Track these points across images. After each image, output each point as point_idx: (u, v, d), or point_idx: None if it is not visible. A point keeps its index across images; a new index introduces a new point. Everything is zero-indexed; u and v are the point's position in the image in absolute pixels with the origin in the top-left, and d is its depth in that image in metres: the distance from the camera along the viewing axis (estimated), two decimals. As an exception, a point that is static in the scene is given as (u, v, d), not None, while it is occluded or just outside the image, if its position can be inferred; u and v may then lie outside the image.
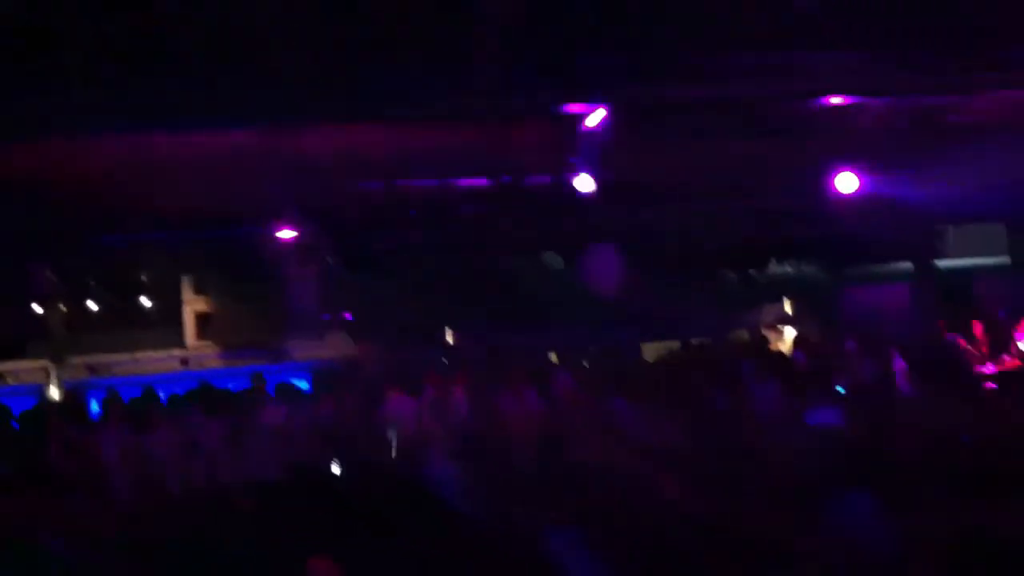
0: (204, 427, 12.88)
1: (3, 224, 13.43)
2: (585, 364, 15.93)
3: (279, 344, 17.79)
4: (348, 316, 18.90)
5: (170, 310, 19.32)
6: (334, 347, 17.48)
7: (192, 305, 19.24)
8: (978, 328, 15.44)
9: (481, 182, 15.01)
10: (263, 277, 17.34)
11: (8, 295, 16.30)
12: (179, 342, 19.18)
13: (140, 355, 18.26)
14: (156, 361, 18.45)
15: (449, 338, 18.55)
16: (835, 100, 13.72)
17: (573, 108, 13.38)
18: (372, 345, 17.39)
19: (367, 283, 17.67)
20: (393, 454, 12.76)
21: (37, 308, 18.10)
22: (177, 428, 12.85)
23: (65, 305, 18.52)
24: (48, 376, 17.28)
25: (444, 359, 17.13)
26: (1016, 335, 15.33)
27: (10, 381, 17.22)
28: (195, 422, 13.01)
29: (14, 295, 16.48)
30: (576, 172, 14.30)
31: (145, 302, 19.36)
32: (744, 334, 17.80)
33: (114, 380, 17.07)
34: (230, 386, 14.98)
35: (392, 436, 12.84)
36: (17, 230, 13.84)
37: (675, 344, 17.17)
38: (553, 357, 16.59)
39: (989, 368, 14.92)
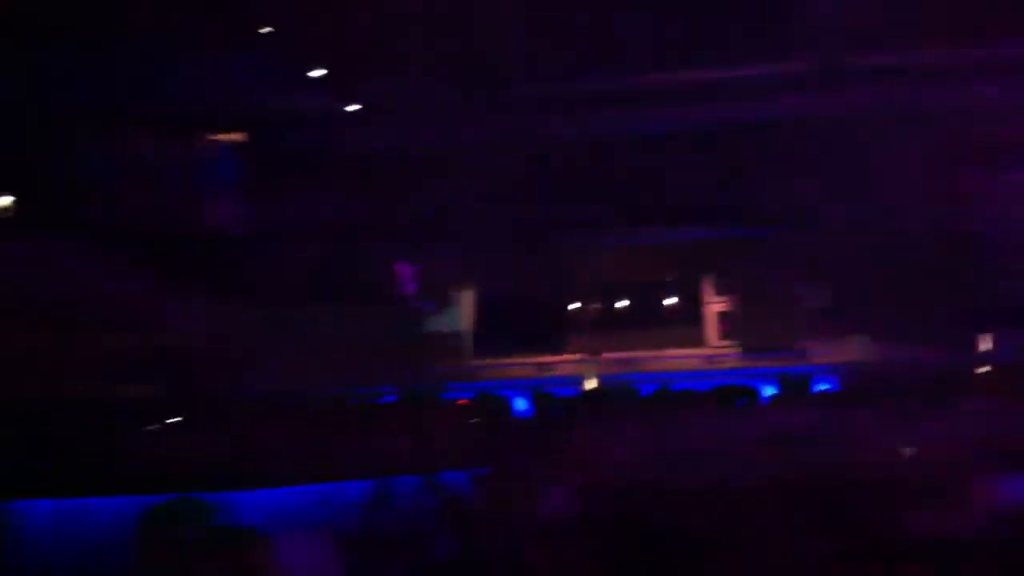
0: (722, 426, 13.06)
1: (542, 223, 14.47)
2: None
3: (800, 345, 17.69)
4: (870, 318, 18.32)
5: (693, 310, 19.86)
6: (857, 350, 17.05)
7: (713, 305, 19.65)
8: None
9: None
10: (785, 277, 17.31)
11: (548, 291, 17.65)
12: (701, 341, 19.65)
13: (666, 352, 18.98)
14: (679, 359, 19.07)
15: (985, 343, 17.37)
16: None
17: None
18: (897, 350, 16.73)
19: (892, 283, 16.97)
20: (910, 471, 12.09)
21: (574, 305, 19.38)
22: (698, 425, 13.14)
23: (599, 302, 19.68)
24: (584, 370, 18.49)
25: (976, 367, 16.07)
26: None
27: (554, 373, 18.64)
28: (713, 420, 13.22)
29: (554, 291, 17.80)
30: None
31: (670, 301, 20.05)
32: None
33: (640, 375, 17.92)
34: (753, 386, 15.10)
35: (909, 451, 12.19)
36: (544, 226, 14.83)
37: None
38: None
39: None
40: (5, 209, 13.67)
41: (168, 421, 9.72)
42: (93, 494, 7.13)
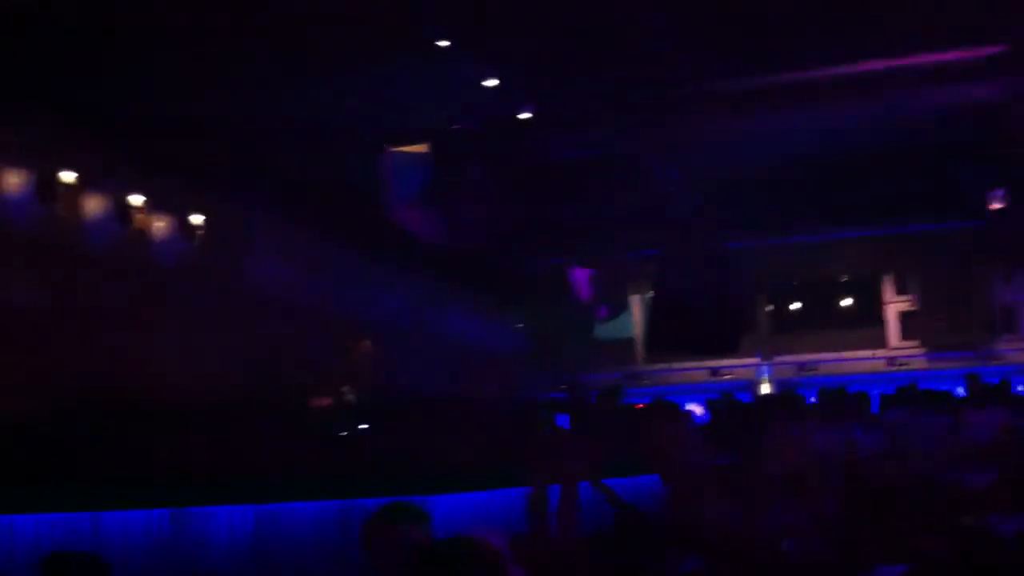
0: (908, 427, 12.57)
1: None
2: None
3: (989, 345, 16.93)
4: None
5: (871, 310, 19.24)
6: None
7: (894, 305, 18.98)
8: None
9: None
10: (973, 273, 16.62)
11: (722, 293, 17.32)
12: (882, 342, 19.03)
13: (844, 354, 18.43)
14: (860, 360, 18.48)
15: None
16: None
17: None
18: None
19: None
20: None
21: (750, 306, 19.02)
22: (880, 427, 12.70)
23: (772, 304, 19.27)
24: (758, 373, 18.14)
25: None
26: None
27: (726, 377, 18.32)
28: (900, 421, 12.74)
29: (728, 293, 17.45)
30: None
31: (846, 302, 19.48)
32: None
33: (819, 379, 17.42)
34: (940, 388, 14.47)
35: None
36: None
37: None
38: None
39: None
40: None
41: (370, 425, 9.87)
42: (297, 498, 7.22)
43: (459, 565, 3.89)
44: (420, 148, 13.31)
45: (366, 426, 9.85)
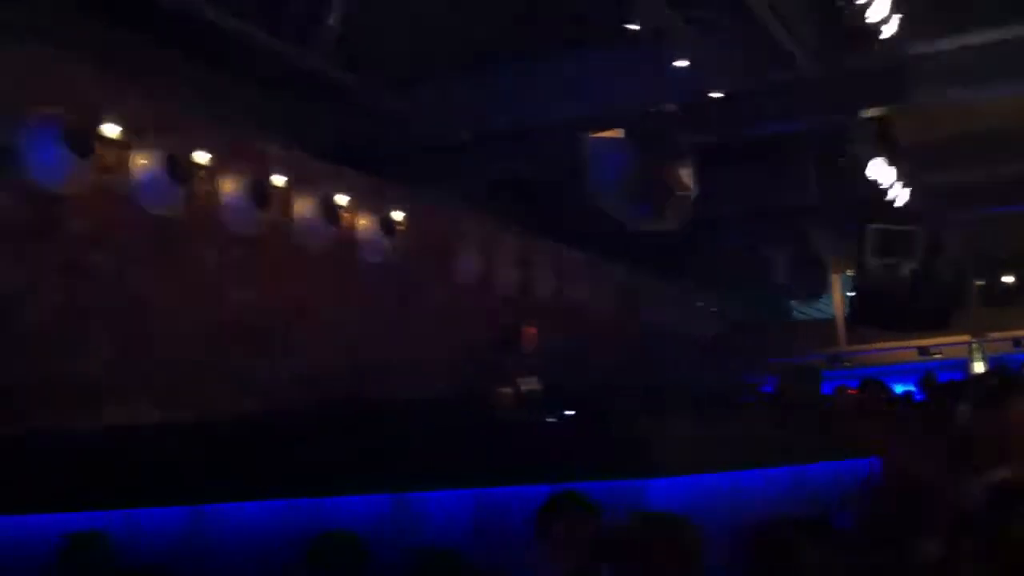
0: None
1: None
2: None
3: None
4: None
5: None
6: None
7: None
8: None
9: None
10: None
11: (930, 269, 16.80)
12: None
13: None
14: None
15: None
16: None
17: None
18: None
19: None
20: None
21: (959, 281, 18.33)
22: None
23: (982, 278, 18.49)
24: (971, 350, 17.44)
25: None
26: None
27: (936, 356, 17.70)
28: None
29: (936, 269, 16.92)
30: None
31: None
32: None
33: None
34: None
35: None
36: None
37: None
38: None
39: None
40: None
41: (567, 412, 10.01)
42: (507, 483, 7.39)
43: (657, 542, 3.93)
44: (618, 134, 13.34)
45: (571, 412, 9.98)
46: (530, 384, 13.21)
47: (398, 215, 14.54)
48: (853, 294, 18.44)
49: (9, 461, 7.81)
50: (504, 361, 13.23)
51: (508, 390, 12.68)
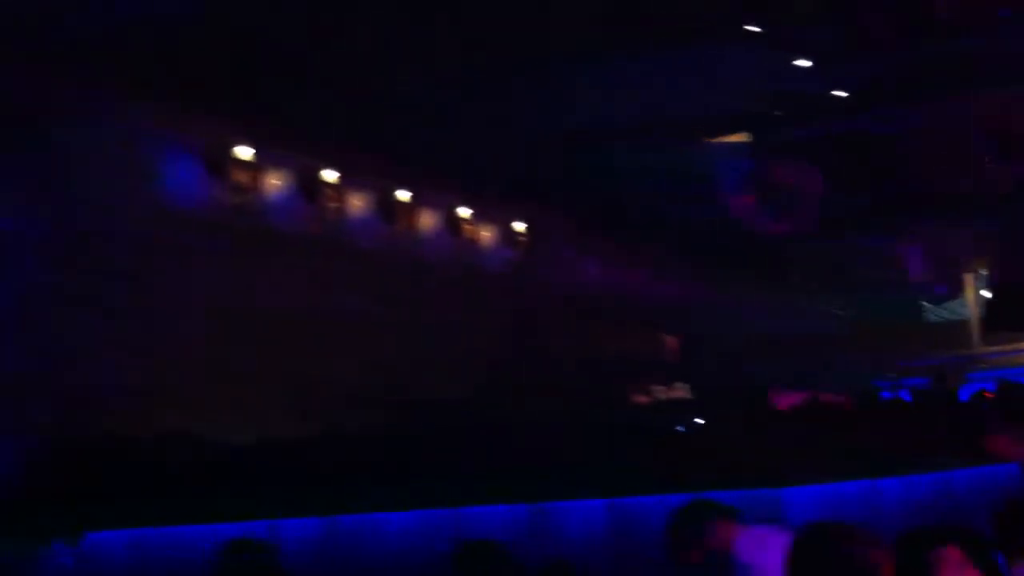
0: None
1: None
2: None
3: None
4: None
5: None
6: None
7: None
8: None
9: None
10: None
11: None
12: None
13: None
14: None
15: None
16: None
17: None
18: None
19: None
20: None
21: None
22: None
23: None
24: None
25: None
26: None
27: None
28: None
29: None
30: None
31: None
32: None
33: None
34: None
35: None
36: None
37: None
38: None
39: None
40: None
41: (699, 419, 9.97)
42: (642, 493, 7.41)
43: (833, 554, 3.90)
44: (741, 137, 13.25)
45: (701, 420, 9.94)
46: (677, 392, 13.15)
47: (519, 225, 14.70)
48: (989, 294, 17.92)
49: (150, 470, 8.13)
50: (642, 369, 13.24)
51: (647, 398, 12.67)
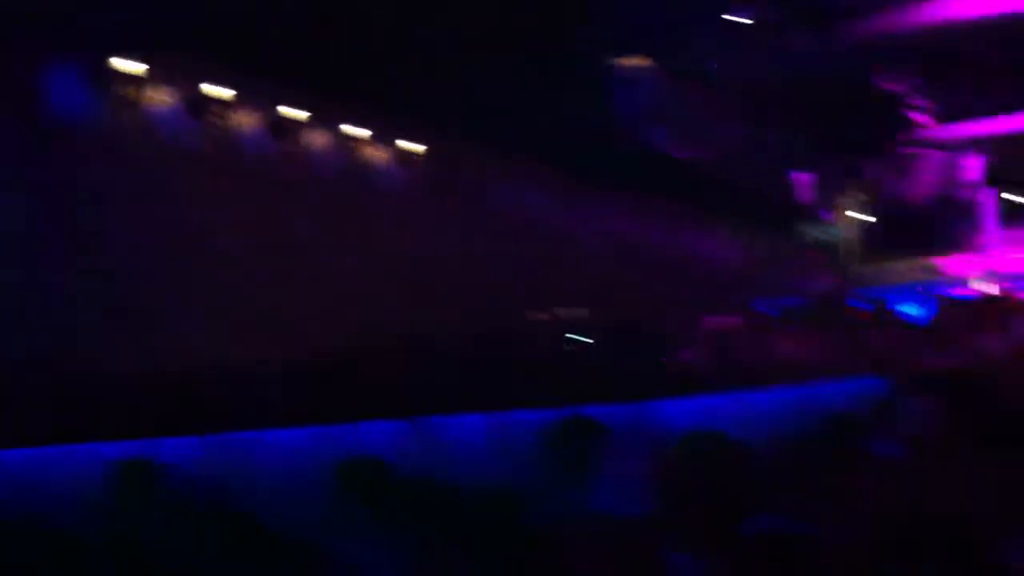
0: None
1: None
2: None
3: None
4: None
5: None
6: None
7: None
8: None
9: None
10: None
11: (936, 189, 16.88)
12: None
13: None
14: None
15: None
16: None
17: None
18: None
19: None
20: None
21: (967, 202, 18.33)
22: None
23: (991, 196, 18.52)
24: (977, 271, 17.55)
25: None
26: None
27: (946, 276, 17.78)
28: None
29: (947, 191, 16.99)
30: None
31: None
32: None
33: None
34: None
35: None
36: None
37: None
38: None
39: None
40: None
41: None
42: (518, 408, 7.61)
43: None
44: (646, 62, 13.32)
45: (590, 340, 10.14)
46: (574, 313, 13.32)
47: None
48: (870, 218, 18.49)
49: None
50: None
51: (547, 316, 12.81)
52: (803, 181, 17.70)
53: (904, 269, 18.30)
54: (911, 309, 15.38)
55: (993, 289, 16.74)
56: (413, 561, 5.02)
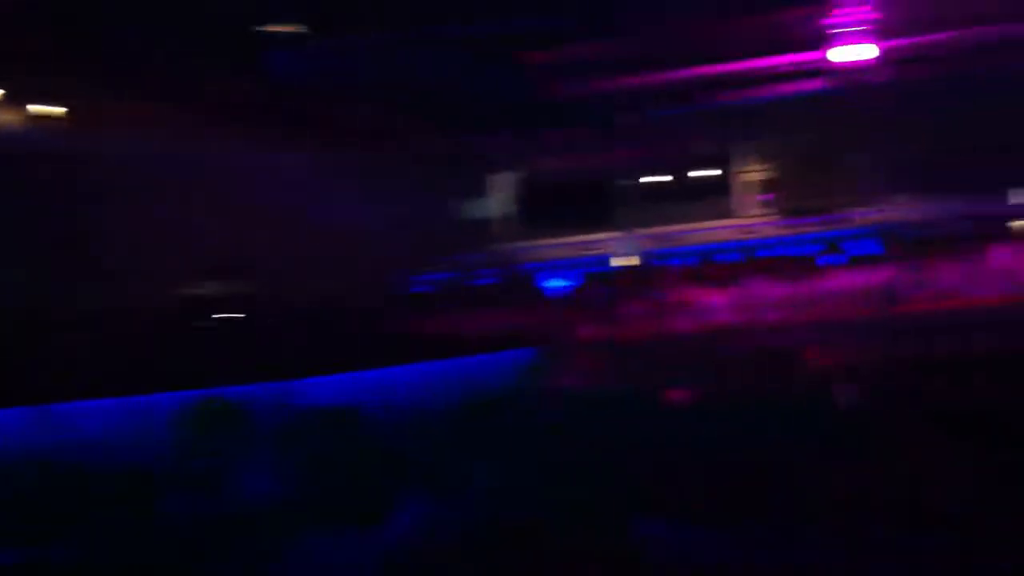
0: (764, 289, 13.09)
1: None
2: None
3: (842, 209, 17.62)
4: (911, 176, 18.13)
5: (729, 180, 19.67)
6: (901, 209, 16.98)
7: (749, 173, 19.46)
8: None
9: None
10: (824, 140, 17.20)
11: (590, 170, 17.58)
12: (735, 212, 19.49)
13: (700, 224, 18.85)
14: (715, 231, 18.94)
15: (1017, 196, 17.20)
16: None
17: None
18: (938, 205, 16.65)
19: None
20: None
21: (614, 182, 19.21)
22: (736, 291, 13.17)
23: (633, 178, 19.49)
24: (623, 246, 18.45)
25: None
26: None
27: (593, 251, 18.57)
28: (754, 286, 13.25)
29: (604, 172, 17.74)
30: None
31: (703, 173, 19.82)
32: None
33: (677, 249, 17.92)
34: (791, 252, 15.17)
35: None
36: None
37: None
38: None
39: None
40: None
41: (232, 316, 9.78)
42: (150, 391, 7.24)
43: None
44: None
45: (225, 316, 9.74)
46: (210, 289, 12.72)
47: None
48: (519, 193, 19.03)
49: None
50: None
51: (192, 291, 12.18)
52: (457, 157, 17.98)
53: (554, 245, 19.01)
54: (558, 283, 16.02)
55: (634, 263, 17.74)
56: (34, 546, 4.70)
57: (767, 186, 19.17)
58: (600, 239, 18.83)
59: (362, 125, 15.32)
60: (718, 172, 19.59)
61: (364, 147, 16.56)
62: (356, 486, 4.51)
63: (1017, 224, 16.14)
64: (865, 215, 17.27)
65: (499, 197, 19.41)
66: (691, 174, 19.77)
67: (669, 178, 19.89)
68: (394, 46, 14.11)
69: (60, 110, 13.94)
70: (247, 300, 10.14)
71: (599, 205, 18.26)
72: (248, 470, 5.54)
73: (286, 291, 10.08)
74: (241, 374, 6.60)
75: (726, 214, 19.36)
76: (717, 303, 13.04)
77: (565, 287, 15.25)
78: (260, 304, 9.31)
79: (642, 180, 19.61)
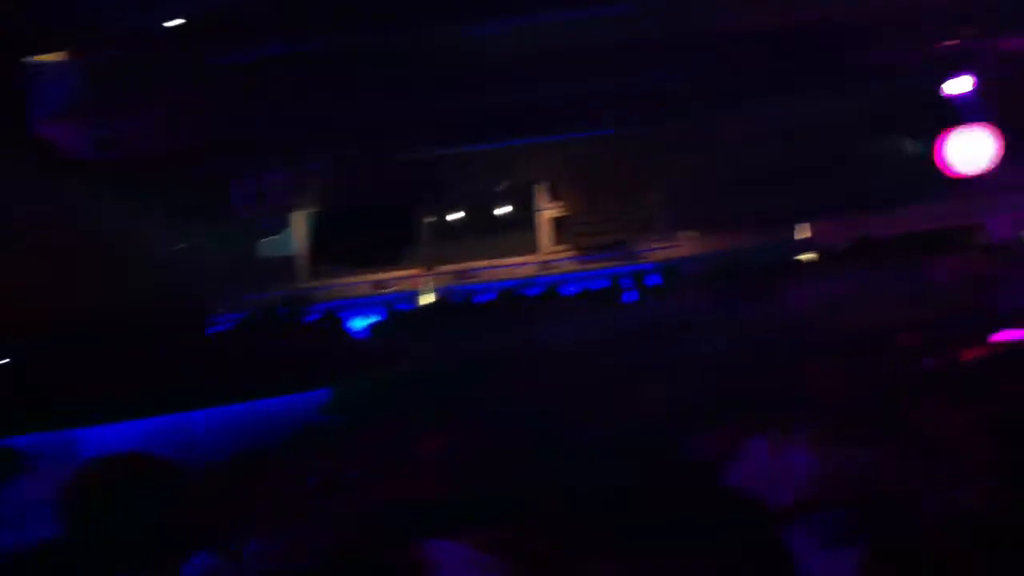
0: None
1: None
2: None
3: (634, 245, 18.21)
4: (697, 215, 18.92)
5: (527, 216, 20.01)
6: (689, 245, 17.68)
7: (547, 211, 19.88)
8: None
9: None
10: (616, 179, 17.73)
11: (387, 207, 17.54)
12: (535, 248, 19.87)
13: (501, 261, 19.12)
14: (514, 267, 19.25)
15: (803, 231, 18.14)
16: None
17: None
18: (721, 240, 17.41)
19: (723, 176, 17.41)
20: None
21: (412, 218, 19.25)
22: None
23: (433, 215, 19.59)
24: (422, 284, 18.51)
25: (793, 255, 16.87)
26: None
27: (390, 289, 18.55)
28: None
29: (392, 207, 17.69)
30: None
31: (503, 210, 20.12)
32: None
33: (476, 286, 18.10)
34: (586, 287, 15.56)
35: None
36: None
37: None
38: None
39: None
40: None
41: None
42: None
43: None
44: (65, 55, 12.42)
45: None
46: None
47: None
48: (315, 229, 18.85)
49: None
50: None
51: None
52: (249, 188, 17.62)
53: (355, 283, 18.89)
54: (360, 322, 15.91)
55: (436, 299, 17.84)
56: None
57: (567, 221, 19.63)
58: (400, 276, 18.85)
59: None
60: (521, 208, 19.94)
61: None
62: (144, 536, 4.32)
63: (804, 258, 17.00)
64: (654, 251, 17.97)
65: (297, 234, 19.20)
66: (495, 209, 20.08)
67: (470, 214, 20.13)
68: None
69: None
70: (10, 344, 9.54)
71: (398, 242, 18.30)
72: (28, 520, 5.26)
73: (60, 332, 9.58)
74: (16, 424, 6.25)
75: (529, 250, 19.72)
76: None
77: (365, 325, 15.17)
78: (29, 349, 8.78)
79: (444, 217, 19.79)
